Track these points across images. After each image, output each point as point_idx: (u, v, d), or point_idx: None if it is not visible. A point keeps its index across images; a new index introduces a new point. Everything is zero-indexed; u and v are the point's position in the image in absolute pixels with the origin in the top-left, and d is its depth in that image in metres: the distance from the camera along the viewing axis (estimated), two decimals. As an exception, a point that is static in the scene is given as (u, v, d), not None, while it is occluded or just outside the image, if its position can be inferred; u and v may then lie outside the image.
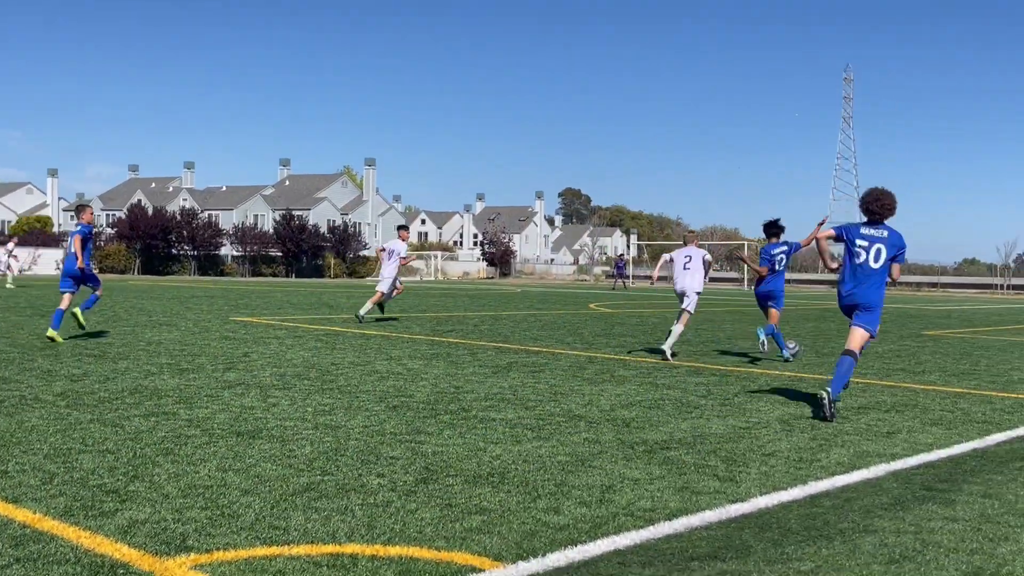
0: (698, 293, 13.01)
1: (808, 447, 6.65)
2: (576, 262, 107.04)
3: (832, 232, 8.59)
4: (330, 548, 4.07)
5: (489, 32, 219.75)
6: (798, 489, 5.39)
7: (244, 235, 70.90)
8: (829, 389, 7.85)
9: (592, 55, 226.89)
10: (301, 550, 4.03)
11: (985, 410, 8.66)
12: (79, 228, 13.20)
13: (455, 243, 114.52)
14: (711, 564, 4.00)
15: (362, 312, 18.51)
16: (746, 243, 78.72)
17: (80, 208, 13.74)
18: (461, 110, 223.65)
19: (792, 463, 6.10)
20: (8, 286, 33.02)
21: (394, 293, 19.32)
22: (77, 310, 13.26)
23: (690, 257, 13.08)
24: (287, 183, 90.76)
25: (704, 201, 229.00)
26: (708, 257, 13.21)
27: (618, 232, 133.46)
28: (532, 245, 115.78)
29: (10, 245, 39.38)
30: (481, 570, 3.85)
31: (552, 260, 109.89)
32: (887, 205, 8.22)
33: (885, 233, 8.21)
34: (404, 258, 19.12)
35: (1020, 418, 8.25)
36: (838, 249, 8.47)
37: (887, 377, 11.11)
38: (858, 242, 8.18)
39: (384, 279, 18.99)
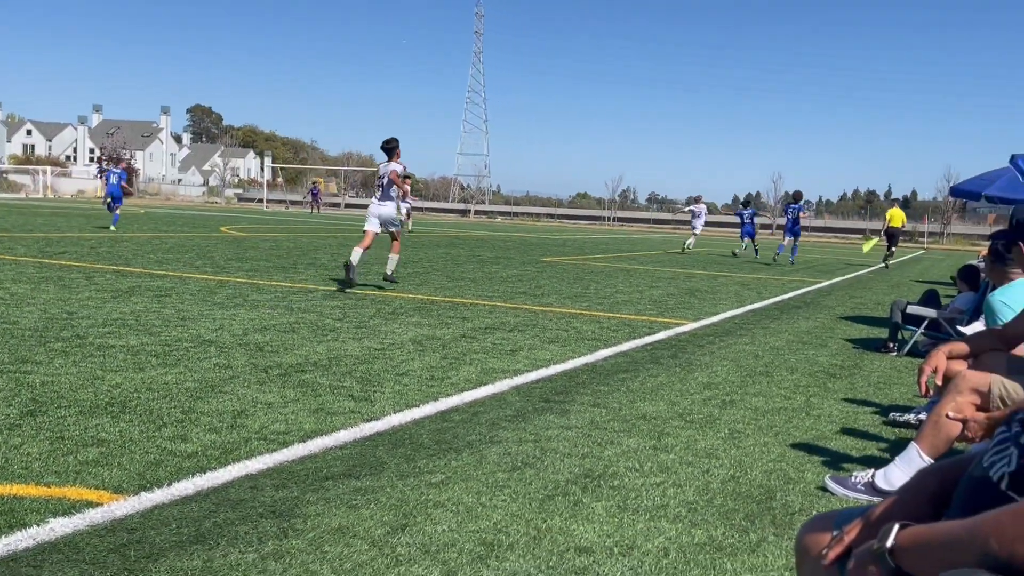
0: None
1: (439, 366, 6.89)
2: (206, 183, 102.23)
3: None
4: (-88, 493, 3.56)
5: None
6: (430, 406, 5.56)
7: None
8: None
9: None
10: None
11: (594, 329, 9.49)
12: (121, 171, 24.73)
13: (68, 158, 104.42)
14: (345, 482, 4.02)
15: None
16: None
17: (119, 160, 29.88)
18: (75, 7, 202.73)
19: (424, 381, 6.28)
20: None
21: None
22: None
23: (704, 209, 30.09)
24: None
25: (339, 126, 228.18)
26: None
27: (252, 154, 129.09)
28: (157, 164, 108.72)
29: None
30: (99, 504, 3.56)
31: (180, 180, 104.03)
32: (799, 196, 25.75)
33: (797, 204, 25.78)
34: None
35: (623, 335, 9.13)
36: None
37: (510, 300, 11.80)
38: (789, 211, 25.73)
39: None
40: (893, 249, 27.18)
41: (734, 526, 3.78)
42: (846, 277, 21.22)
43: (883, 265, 26.76)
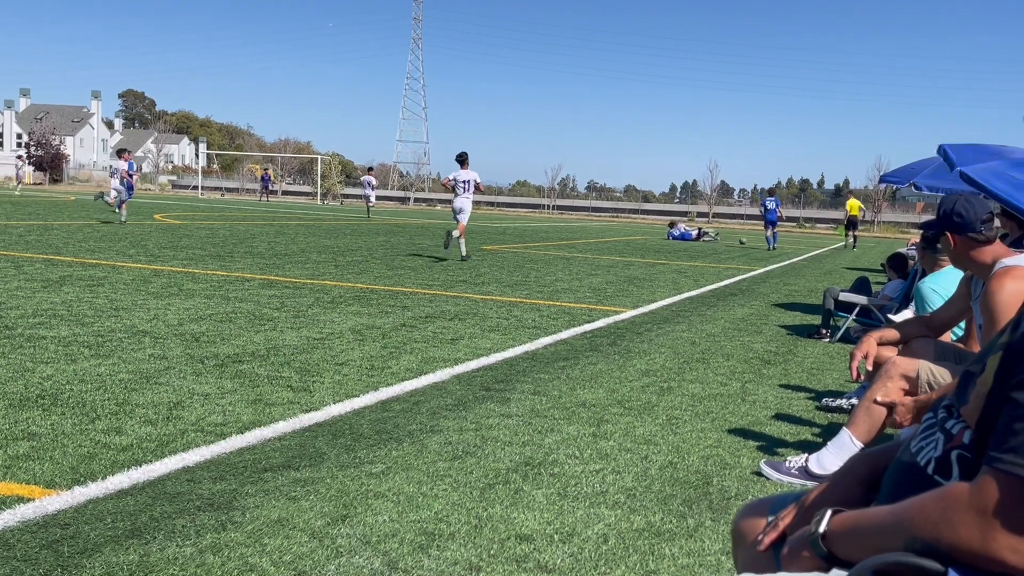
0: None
1: (379, 355, 6.86)
2: (139, 170, 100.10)
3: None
4: None
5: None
6: (370, 395, 5.54)
7: None
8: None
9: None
10: None
11: (535, 317, 9.53)
12: (129, 164, 23.56)
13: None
14: (285, 473, 3.99)
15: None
16: (319, 157, 78.62)
17: (122, 152, 24.58)
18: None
19: (364, 371, 6.25)
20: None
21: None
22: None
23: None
24: None
25: (275, 112, 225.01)
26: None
27: (186, 140, 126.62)
28: (88, 150, 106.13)
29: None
30: (30, 499, 3.48)
31: (112, 167, 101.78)
32: (773, 191, 30.09)
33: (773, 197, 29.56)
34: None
35: (563, 323, 9.19)
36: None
37: (450, 289, 11.78)
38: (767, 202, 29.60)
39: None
40: (855, 233, 34.21)
41: (672, 512, 3.83)
42: (780, 265, 21.59)
43: (843, 246, 34.00)
